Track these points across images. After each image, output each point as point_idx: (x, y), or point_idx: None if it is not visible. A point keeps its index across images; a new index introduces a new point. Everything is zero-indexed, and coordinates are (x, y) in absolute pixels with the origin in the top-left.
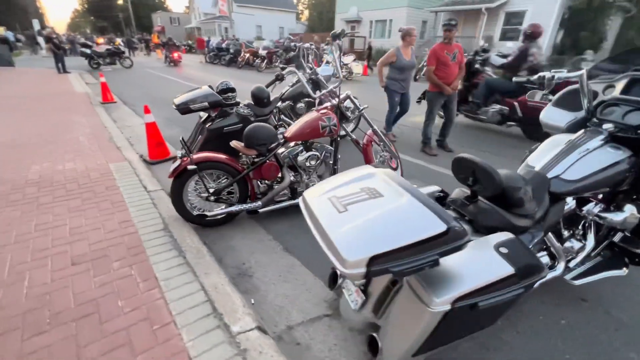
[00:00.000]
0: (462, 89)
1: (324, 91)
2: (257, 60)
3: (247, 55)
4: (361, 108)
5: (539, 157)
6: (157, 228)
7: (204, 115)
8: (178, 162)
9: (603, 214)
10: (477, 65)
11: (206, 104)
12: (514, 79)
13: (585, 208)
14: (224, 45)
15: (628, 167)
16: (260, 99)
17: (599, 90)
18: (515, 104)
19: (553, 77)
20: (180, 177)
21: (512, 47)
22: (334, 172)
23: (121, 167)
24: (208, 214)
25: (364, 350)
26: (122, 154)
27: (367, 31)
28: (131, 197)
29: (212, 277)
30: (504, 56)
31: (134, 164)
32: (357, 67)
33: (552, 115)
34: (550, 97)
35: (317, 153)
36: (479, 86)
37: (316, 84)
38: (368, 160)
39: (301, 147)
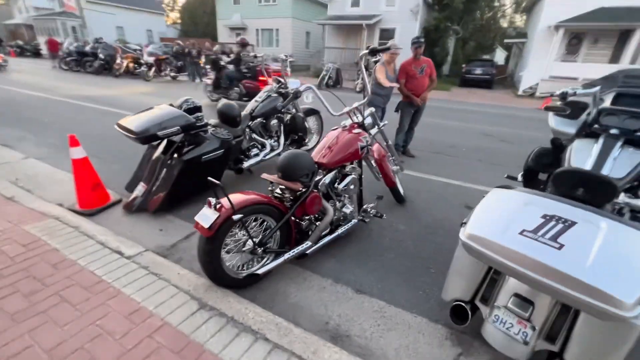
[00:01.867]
0: (215, 79)
1: (346, 109)
2: (142, 68)
3: (127, 62)
4: (381, 125)
5: (582, 160)
6: (192, 309)
7: (158, 143)
8: (213, 214)
9: (633, 201)
10: (222, 63)
11: (178, 128)
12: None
13: (619, 199)
14: (87, 49)
15: None
16: (230, 118)
17: (589, 102)
18: (240, 85)
19: (575, 92)
20: (217, 232)
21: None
22: (360, 193)
23: (51, 229)
24: (260, 272)
25: None
26: (30, 208)
27: (254, 39)
28: (110, 272)
29: (324, 353)
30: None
31: (67, 219)
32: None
33: (560, 124)
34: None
35: (356, 176)
36: (223, 76)
37: (286, 98)
38: (385, 175)
39: (333, 173)
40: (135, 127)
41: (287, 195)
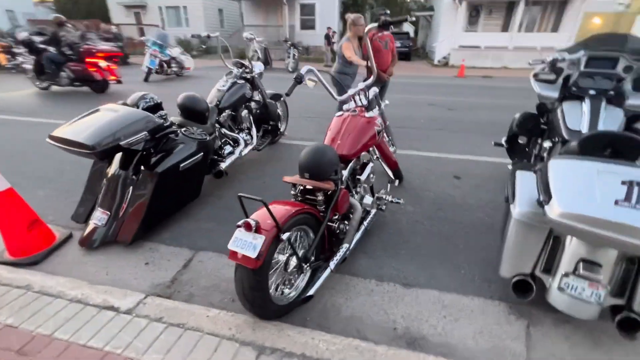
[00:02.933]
0: (35, 63)
1: (351, 91)
2: (19, 59)
3: None
4: (382, 105)
5: (577, 121)
6: (250, 356)
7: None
8: (256, 238)
9: None
10: (37, 45)
11: (145, 133)
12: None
13: None
14: None
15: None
16: (197, 113)
17: (564, 67)
18: (67, 68)
19: (564, 59)
20: (265, 260)
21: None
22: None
23: None
24: (312, 292)
25: (621, 334)
26: None
27: (158, 18)
28: (113, 339)
29: None
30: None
31: (3, 277)
32: (188, 61)
33: (545, 89)
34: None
35: (373, 164)
36: (44, 60)
37: (252, 84)
38: (388, 157)
39: (353, 163)
40: (85, 138)
41: (319, 197)
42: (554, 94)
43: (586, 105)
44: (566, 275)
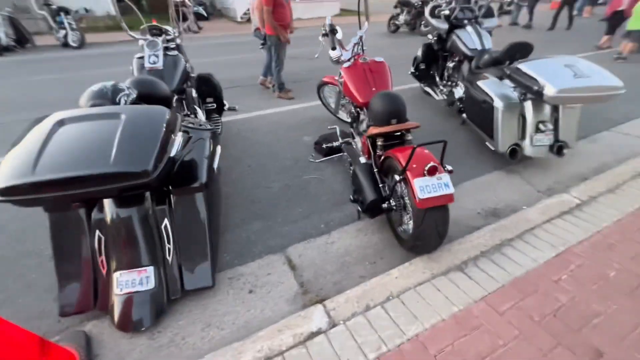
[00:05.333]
0: None
1: (353, 42)
2: None
3: None
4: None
5: (471, 42)
6: None
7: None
8: (441, 178)
9: None
10: None
11: (184, 136)
12: None
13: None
14: None
15: None
16: (158, 101)
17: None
18: None
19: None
20: None
21: None
22: None
23: None
24: None
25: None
26: None
27: None
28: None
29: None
30: None
31: None
32: None
33: (439, 24)
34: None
35: None
36: None
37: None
38: None
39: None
40: (123, 164)
41: (408, 137)
42: (445, 25)
43: (471, 30)
44: (534, 134)
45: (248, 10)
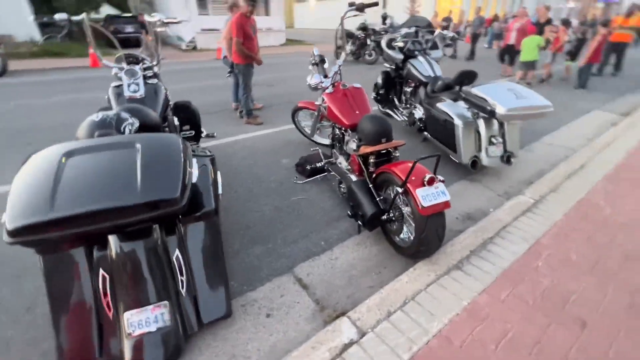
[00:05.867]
0: None
1: (334, 71)
2: None
3: None
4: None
5: (424, 70)
6: None
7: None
8: (437, 187)
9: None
10: None
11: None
12: None
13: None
14: None
15: None
16: (148, 129)
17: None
18: None
19: (396, 37)
20: None
21: None
22: None
23: None
24: None
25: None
26: None
27: None
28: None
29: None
30: None
31: None
32: None
33: (395, 54)
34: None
35: None
36: None
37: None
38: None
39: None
40: (153, 192)
41: (396, 154)
42: (400, 56)
43: (422, 60)
44: (488, 148)
45: (193, 38)
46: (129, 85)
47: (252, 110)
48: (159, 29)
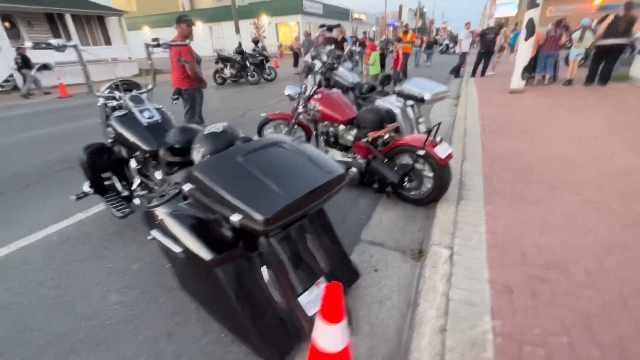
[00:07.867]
0: None
1: (311, 82)
2: None
3: None
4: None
5: (350, 77)
6: None
7: None
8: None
9: None
10: None
11: None
12: None
13: None
14: None
15: None
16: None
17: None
18: None
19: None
20: None
21: None
22: None
23: None
24: None
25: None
26: None
27: None
28: None
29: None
30: None
31: None
32: None
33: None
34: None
35: None
36: None
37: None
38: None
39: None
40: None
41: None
42: (352, 79)
43: (342, 70)
44: (417, 127)
45: (11, 76)
46: (141, 112)
47: None
48: None
